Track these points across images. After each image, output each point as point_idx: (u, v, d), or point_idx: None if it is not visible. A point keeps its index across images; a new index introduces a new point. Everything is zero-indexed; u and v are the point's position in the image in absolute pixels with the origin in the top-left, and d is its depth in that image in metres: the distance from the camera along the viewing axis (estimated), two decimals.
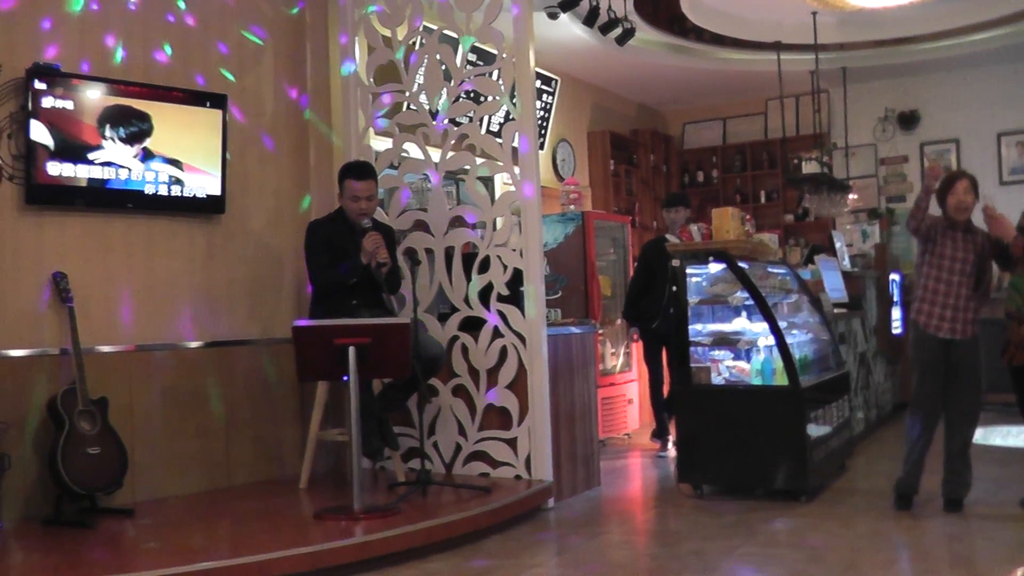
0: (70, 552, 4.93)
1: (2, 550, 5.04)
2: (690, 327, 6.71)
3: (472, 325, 6.59)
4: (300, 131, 7.19)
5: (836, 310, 8.64)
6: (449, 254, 6.72)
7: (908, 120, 12.49)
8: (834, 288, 9.04)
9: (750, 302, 6.65)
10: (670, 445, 8.31)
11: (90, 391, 5.60)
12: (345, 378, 5.52)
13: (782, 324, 6.58)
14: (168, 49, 6.45)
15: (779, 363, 6.43)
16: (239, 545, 4.88)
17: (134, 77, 6.22)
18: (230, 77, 6.77)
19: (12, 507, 5.53)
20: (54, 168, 5.75)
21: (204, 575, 4.47)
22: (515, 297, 6.45)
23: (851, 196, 11.47)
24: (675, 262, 6.80)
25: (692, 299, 6.79)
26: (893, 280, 11.03)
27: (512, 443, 6.41)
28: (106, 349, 6.04)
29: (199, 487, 6.43)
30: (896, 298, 11.04)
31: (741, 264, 6.66)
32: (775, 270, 7.44)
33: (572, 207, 9.31)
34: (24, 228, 5.76)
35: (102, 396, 5.70)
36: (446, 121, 6.81)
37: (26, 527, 5.49)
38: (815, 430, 6.45)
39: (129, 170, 6.06)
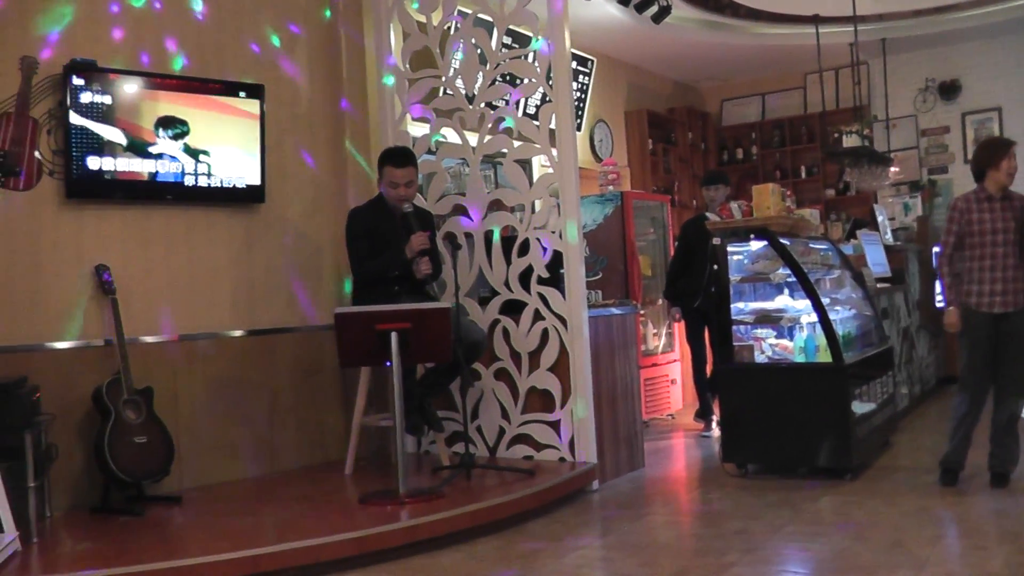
0: (119, 540, 4.98)
1: (52, 539, 5.11)
2: (732, 305, 6.66)
3: (513, 308, 6.59)
4: (337, 119, 7.19)
5: (879, 285, 8.57)
6: (488, 238, 6.72)
7: (949, 90, 12.33)
8: (876, 262, 8.97)
9: (792, 279, 6.59)
10: (714, 425, 8.26)
11: (135, 381, 5.66)
12: (388, 363, 5.55)
13: (825, 300, 6.52)
14: (204, 40, 6.49)
15: (822, 340, 6.38)
16: (286, 531, 4.91)
17: (170, 71, 6.26)
18: (266, 67, 6.79)
19: (60, 496, 5.63)
20: (93, 162, 5.80)
21: (253, 560, 4.52)
22: (555, 279, 6.43)
23: (892, 169, 11.34)
24: (716, 240, 6.75)
25: (733, 277, 6.74)
26: (936, 253, 10.91)
27: (555, 425, 6.41)
28: (149, 339, 6.10)
29: (245, 474, 6.50)
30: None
31: (782, 240, 6.60)
32: (817, 246, 7.37)
33: (610, 187, 9.26)
34: (65, 222, 5.83)
35: (147, 386, 5.77)
36: (482, 104, 6.79)
37: (74, 516, 5.57)
38: (859, 407, 6.40)
39: (168, 162, 6.10)
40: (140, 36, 6.19)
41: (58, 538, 5.17)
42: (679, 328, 9.28)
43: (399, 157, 6.25)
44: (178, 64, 6.34)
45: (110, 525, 5.32)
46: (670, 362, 9.52)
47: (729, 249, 6.73)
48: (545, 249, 6.44)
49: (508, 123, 6.77)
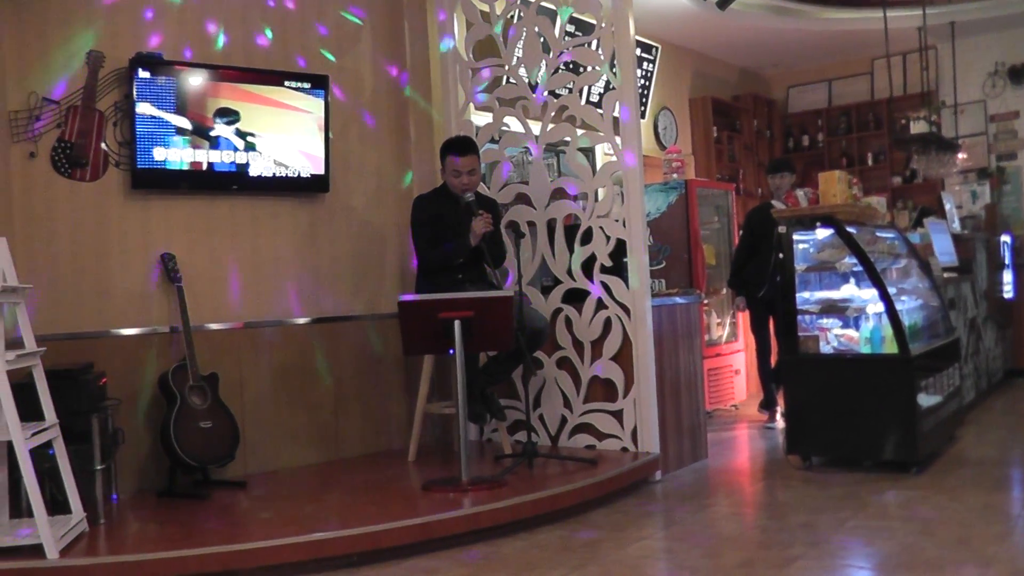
0: (184, 522, 5.04)
1: (119, 521, 5.19)
2: (797, 295, 6.58)
3: (575, 297, 6.56)
4: (400, 108, 7.21)
5: (945, 274, 8.43)
6: (551, 226, 6.70)
7: (1020, 74, 12.05)
8: (944, 251, 8.82)
9: (858, 268, 6.49)
10: (778, 416, 8.19)
11: (200, 367, 5.74)
12: (451, 352, 5.56)
13: (891, 290, 6.42)
14: (268, 32, 6.53)
15: (888, 331, 6.28)
16: (350, 516, 4.93)
17: (235, 62, 6.31)
18: (330, 57, 6.82)
19: (127, 480, 5.73)
20: (159, 153, 5.88)
21: (316, 545, 4.54)
22: (618, 268, 6.40)
23: (960, 155, 11.17)
24: (781, 228, 6.66)
25: (799, 266, 6.65)
26: (1004, 242, 10.72)
27: (618, 415, 6.38)
28: (214, 327, 6.17)
29: (309, 460, 6.55)
30: (1007, 260, 10.73)
31: (849, 229, 6.51)
32: (883, 234, 7.26)
33: (674, 176, 9.19)
34: (131, 212, 5.93)
35: (212, 372, 5.85)
36: (546, 94, 6.77)
37: (141, 499, 5.67)
38: (925, 399, 6.30)
39: (232, 153, 6.16)
40: (204, 27, 6.26)
41: (124, 519, 5.26)
42: (743, 318, 9.23)
43: (460, 145, 6.24)
44: (243, 55, 6.39)
45: (176, 508, 5.39)
46: (734, 352, 9.46)
47: (795, 237, 6.64)
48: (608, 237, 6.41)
49: (543, 77, 6.72)
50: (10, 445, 4.50)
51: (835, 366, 6.43)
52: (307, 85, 6.44)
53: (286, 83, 6.37)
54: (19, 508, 4.81)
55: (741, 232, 8.87)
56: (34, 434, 4.52)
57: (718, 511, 5.52)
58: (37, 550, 4.36)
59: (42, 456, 4.72)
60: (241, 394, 6.21)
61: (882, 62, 11.71)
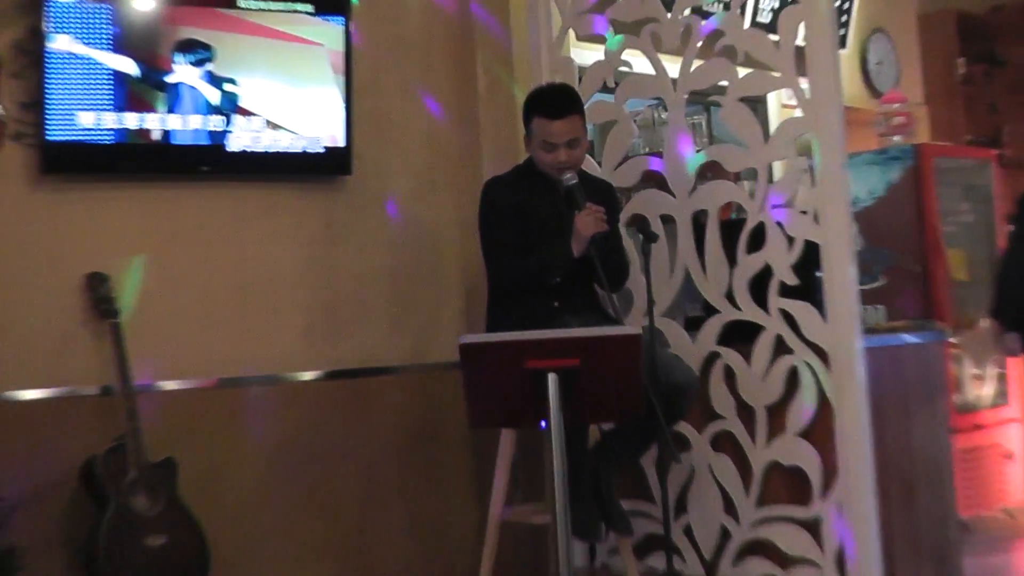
0: None
1: None
2: None
3: (741, 335, 6.37)
4: (463, 43, 7.21)
5: None
6: (699, 223, 6.54)
7: None
8: None
9: None
10: None
11: (149, 449, 5.66)
12: (542, 424, 5.34)
13: None
14: None
15: None
16: None
17: None
18: None
19: None
20: (85, 118, 5.83)
21: None
22: (808, 288, 6.20)
23: None
24: None
25: None
26: None
27: (813, 527, 6.17)
28: (171, 385, 6.15)
29: None
30: None
31: None
32: None
33: (896, 138, 9.14)
34: (40, 210, 5.89)
35: (167, 456, 5.77)
36: (687, 11, 6.62)
37: None
38: None
39: (201, 117, 6.14)
40: None
41: None
42: (1019, 366, 8.95)
43: (555, 102, 6.08)
44: None
45: None
46: (1003, 422, 9.31)
47: None
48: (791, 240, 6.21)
49: None
50: None
51: None
52: (318, 15, 6.42)
53: (285, 11, 6.33)
54: None
55: (1011, 228, 8.57)
56: None
57: None
58: None
59: None
60: (215, 490, 6.15)
61: None
